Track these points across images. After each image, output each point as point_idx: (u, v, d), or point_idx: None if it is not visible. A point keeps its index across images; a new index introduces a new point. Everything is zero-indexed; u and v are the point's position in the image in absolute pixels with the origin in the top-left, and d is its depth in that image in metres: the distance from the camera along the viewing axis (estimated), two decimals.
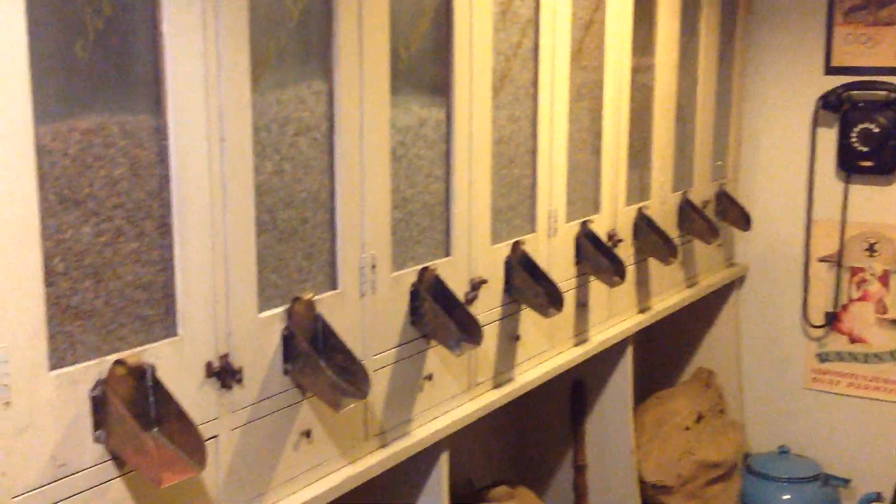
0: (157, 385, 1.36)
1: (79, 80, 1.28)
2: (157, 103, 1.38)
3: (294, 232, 1.68)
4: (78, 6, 1.25)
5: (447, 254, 2.07)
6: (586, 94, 2.59)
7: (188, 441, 1.35)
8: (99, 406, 1.31)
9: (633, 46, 2.75)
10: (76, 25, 1.26)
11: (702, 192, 3.29)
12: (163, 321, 1.42)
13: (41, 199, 1.22)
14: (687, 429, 3.18)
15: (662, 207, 3.01)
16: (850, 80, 3.39)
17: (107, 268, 1.33)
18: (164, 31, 1.36)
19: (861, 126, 3.36)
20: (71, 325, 1.29)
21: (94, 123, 1.30)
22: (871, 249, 3.46)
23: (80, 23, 1.26)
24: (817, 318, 3.56)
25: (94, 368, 1.30)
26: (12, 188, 1.17)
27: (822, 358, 3.58)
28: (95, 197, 1.31)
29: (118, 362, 1.33)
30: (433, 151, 2.02)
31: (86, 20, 1.26)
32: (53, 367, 1.25)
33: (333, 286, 1.76)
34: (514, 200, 2.32)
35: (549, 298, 2.24)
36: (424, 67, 1.98)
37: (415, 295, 1.95)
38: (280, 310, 1.63)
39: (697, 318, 3.57)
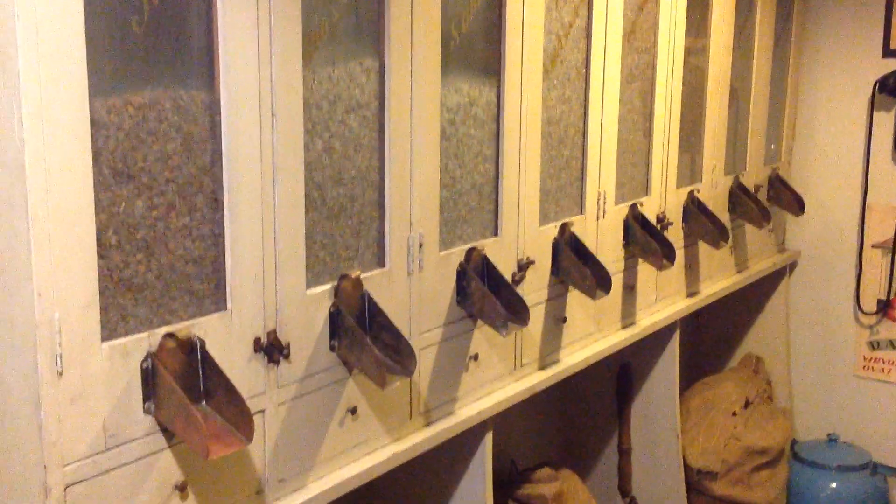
0: (206, 358, 1.38)
1: (133, 55, 1.29)
2: (209, 79, 1.38)
3: (343, 209, 1.68)
4: None
5: (495, 234, 2.06)
6: (638, 76, 2.55)
7: (236, 415, 1.36)
8: (149, 378, 1.33)
9: (687, 27, 2.70)
10: (132, 1, 1.27)
11: (754, 175, 3.23)
12: (212, 295, 1.44)
13: (95, 172, 1.23)
14: (734, 414, 3.14)
15: (714, 191, 2.96)
16: None
17: (158, 241, 1.34)
18: (217, 6, 1.37)
19: None
20: (123, 297, 1.30)
21: (147, 98, 1.31)
22: None
23: None
24: (869, 305, 3.49)
25: (145, 341, 1.32)
26: (68, 161, 1.19)
27: (874, 345, 3.51)
28: (148, 171, 1.32)
29: (168, 335, 1.34)
30: (483, 131, 2.00)
31: None
32: (105, 338, 1.27)
33: (381, 264, 1.77)
34: (564, 181, 2.30)
35: (597, 281, 2.22)
36: (475, 46, 1.96)
37: (462, 274, 1.95)
38: (328, 287, 1.63)
39: (747, 303, 3.52)
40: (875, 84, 3.37)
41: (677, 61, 2.68)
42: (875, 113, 3.41)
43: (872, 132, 3.42)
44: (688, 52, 2.74)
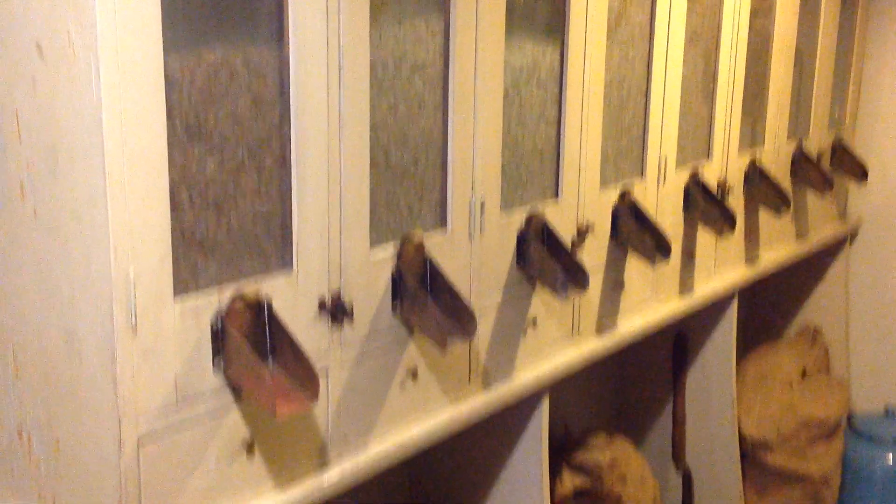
0: (273, 318, 1.38)
1: (205, 11, 1.28)
2: (279, 37, 1.37)
3: (406, 171, 1.67)
4: None
5: (555, 197, 2.04)
6: (702, 36, 2.49)
7: (302, 374, 1.36)
8: (218, 336, 1.34)
9: None
10: None
11: (818, 141, 3.16)
12: (279, 255, 1.44)
13: (169, 129, 1.23)
14: (790, 385, 3.10)
15: (776, 156, 2.90)
16: None
17: (228, 200, 1.35)
18: None
19: None
20: (194, 254, 1.31)
21: (219, 56, 1.30)
22: None
23: None
24: None
25: (215, 298, 1.33)
26: (143, 117, 1.19)
27: None
28: (219, 130, 1.32)
29: (238, 296, 1.35)
30: (545, 93, 1.97)
31: None
32: (178, 294, 1.28)
33: (443, 226, 1.76)
34: (624, 145, 2.26)
35: (657, 247, 2.19)
36: (540, 6, 1.93)
37: (522, 238, 1.93)
38: (390, 248, 1.63)
39: (806, 271, 3.46)
40: None
41: (742, 23, 2.61)
42: None
43: None
44: (753, 13, 2.67)
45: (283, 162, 1.42)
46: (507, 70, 1.84)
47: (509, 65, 1.85)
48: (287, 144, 1.41)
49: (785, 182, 2.93)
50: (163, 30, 1.20)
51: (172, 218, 1.26)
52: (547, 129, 2.00)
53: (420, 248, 1.67)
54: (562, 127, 2.02)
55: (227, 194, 1.34)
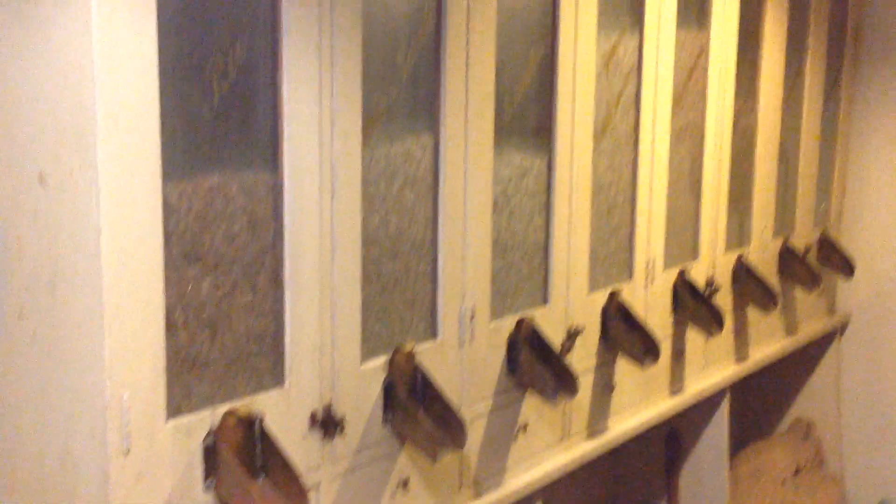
0: (265, 434, 1.40)
1: (203, 139, 1.33)
2: (274, 161, 1.43)
3: (397, 282, 1.71)
4: (207, 71, 1.31)
5: (545, 302, 2.07)
6: (687, 138, 2.56)
7: (292, 490, 1.38)
8: (210, 454, 1.35)
9: (737, 90, 2.71)
10: (204, 89, 1.32)
11: (804, 236, 3.21)
12: (271, 371, 1.46)
13: (166, 254, 1.27)
14: (784, 482, 3.09)
15: (763, 254, 2.95)
16: None
17: (223, 319, 1.38)
18: (283, 91, 1.41)
19: None
20: (188, 375, 1.34)
21: (216, 181, 1.35)
22: None
23: (208, 86, 1.32)
24: None
25: (207, 418, 1.35)
26: (141, 244, 1.23)
27: None
28: (215, 251, 1.36)
29: (230, 412, 1.37)
30: (534, 201, 2.03)
31: (213, 84, 1.32)
32: (171, 416, 1.30)
33: (433, 335, 1.78)
34: (613, 248, 2.31)
35: (646, 349, 2.22)
36: (527, 118, 1.99)
37: (512, 345, 1.96)
38: (382, 360, 1.65)
39: (796, 366, 3.47)
40: None
41: (726, 124, 2.69)
42: None
43: None
44: (737, 114, 2.75)
45: (277, 280, 1.45)
46: (496, 180, 1.90)
47: (498, 175, 1.90)
48: (280, 263, 1.45)
49: (772, 279, 2.98)
50: (162, 159, 1.25)
51: (167, 340, 1.29)
52: (535, 236, 2.05)
53: (411, 357, 1.70)
54: (550, 233, 2.06)
55: (221, 314, 1.38)
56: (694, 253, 2.64)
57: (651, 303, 2.43)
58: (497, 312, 1.94)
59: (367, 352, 1.63)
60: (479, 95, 1.80)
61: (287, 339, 1.47)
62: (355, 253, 1.57)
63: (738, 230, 2.88)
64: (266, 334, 1.45)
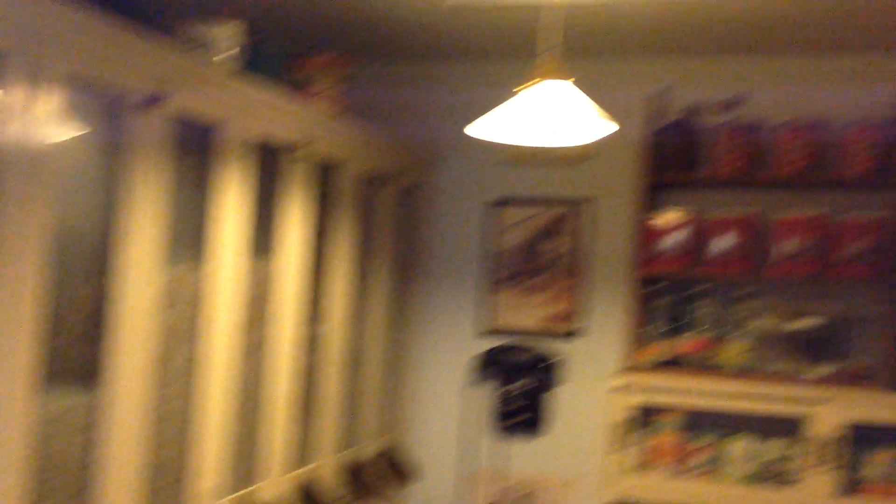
0: None
1: None
2: None
3: None
4: None
5: None
6: (254, 361, 2.62)
7: None
8: None
9: (307, 314, 2.85)
10: None
11: (370, 448, 3.36)
12: None
13: None
14: None
15: (330, 469, 3.02)
16: (500, 343, 3.72)
17: None
18: None
19: (511, 385, 3.68)
20: None
21: None
22: (527, 498, 3.69)
23: None
24: None
25: None
26: None
27: None
28: None
29: None
30: (82, 440, 1.93)
31: None
32: None
33: None
34: (170, 480, 2.25)
35: None
36: (77, 354, 1.92)
37: None
38: None
39: None
40: (473, 361, 3.74)
41: (295, 346, 2.80)
42: (473, 388, 3.76)
43: (470, 405, 3.75)
44: (307, 338, 2.87)
45: None
46: (41, 422, 1.79)
47: (44, 416, 1.80)
48: None
49: (343, 492, 3.06)
50: None
51: None
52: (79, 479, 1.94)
53: None
54: (99, 476, 1.97)
55: None
56: (257, 477, 2.64)
57: None
58: None
59: None
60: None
61: None
62: None
63: (302, 448, 2.93)
64: None
